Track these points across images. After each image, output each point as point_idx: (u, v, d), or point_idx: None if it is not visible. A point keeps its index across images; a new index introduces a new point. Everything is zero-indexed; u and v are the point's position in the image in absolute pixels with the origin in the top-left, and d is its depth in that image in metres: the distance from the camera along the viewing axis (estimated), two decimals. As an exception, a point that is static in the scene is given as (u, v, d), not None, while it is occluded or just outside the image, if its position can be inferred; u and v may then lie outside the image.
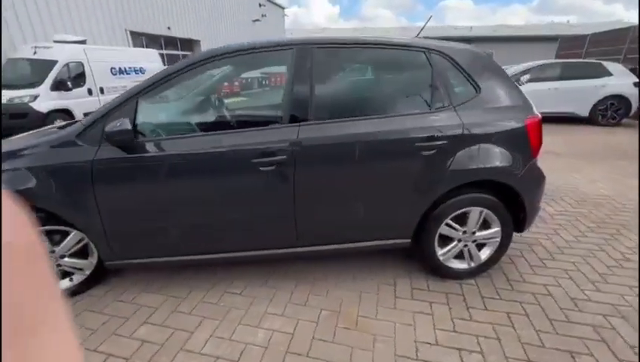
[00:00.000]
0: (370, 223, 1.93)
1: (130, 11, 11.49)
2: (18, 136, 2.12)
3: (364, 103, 2.01)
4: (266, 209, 1.83)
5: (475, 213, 1.93)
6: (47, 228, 1.79)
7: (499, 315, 1.80)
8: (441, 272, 2.09)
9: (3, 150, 1.76)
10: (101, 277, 2.09)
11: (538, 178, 1.98)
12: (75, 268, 1.97)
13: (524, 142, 1.88)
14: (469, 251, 2.04)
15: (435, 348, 1.61)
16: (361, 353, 1.58)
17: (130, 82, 7.75)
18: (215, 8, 16.50)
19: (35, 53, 6.81)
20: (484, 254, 2.06)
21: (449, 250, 2.03)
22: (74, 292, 1.97)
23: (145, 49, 10.79)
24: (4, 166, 1.68)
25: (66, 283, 1.97)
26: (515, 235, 2.08)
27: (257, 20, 20.22)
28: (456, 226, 1.97)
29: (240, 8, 18.66)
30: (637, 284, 2.01)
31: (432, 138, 1.78)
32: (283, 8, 24.21)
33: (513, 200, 1.95)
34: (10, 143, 1.90)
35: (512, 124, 1.86)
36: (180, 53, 14.66)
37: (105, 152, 1.66)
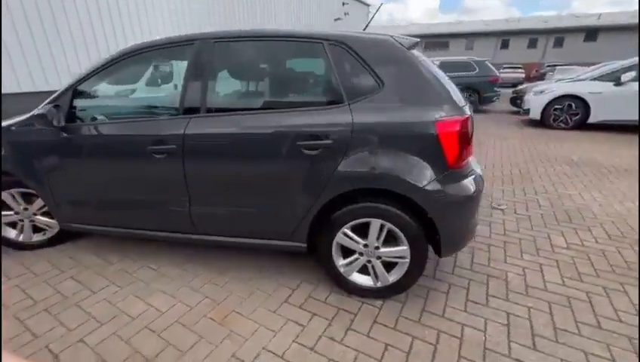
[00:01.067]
0: (256, 221, 1.87)
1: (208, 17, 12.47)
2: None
3: (256, 97, 1.96)
4: (163, 194, 1.95)
5: (376, 226, 1.70)
6: (21, 190, 2.28)
7: (376, 346, 1.56)
8: (343, 285, 1.91)
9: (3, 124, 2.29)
10: (70, 236, 2.54)
11: (458, 193, 1.62)
12: (47, 226, 2.44)
13: (433, 148, 1.56)
14: (373, 268, 1.81)
15: (275, 359, 1.50)
16: (206, 345, 1.58)
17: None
18: (302, 6, 17.16)
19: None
20: (394, 275, 1.79)
21: (350, 263, 1.84)
22: (43, 244, 2.45)
23: None
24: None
25: (39, 236, 2.46)
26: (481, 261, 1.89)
27: (339, 19, 20.66)
28: (356, 238, 1.76)
29: (323, 7, 19.19)
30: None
31: (315, 137, 1.63)
32: (367, 5, 23.98)
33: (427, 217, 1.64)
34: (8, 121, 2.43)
35: (418, 125, 1.56)
36: None
37: (46, 133, 2.01)
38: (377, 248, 1.75)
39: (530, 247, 2.41)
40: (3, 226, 2.38)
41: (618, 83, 6.06)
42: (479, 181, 1.74)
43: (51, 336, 1.66)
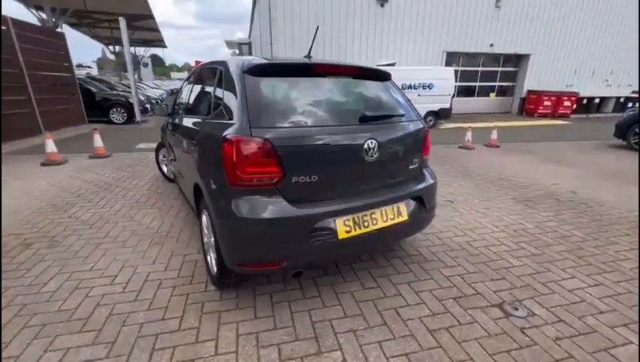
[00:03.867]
0: None
1: (452, 33, 13.70)
2: None
3: (191, 107, 2.83)
4: None
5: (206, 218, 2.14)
6: None
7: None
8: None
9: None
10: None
11: (226, 206, 1.75)
12: None
13: (218, 161, 1.76)
14: (211, 256, 2.21)
15: None
16: None
17: (414, 95, 10.04)
18: (557, 12, 14.61)
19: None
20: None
21: (205, 243, 2.31)
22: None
23: (441, 67, 12.83)
24: None
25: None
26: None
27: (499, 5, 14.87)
28: (205, 224, 2.22)
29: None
30: None
31: (191, 136, 2.34)
32: None
33: None
34: None
35: (214, 139, 1.86)
36: (500, 69, 15.54)
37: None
38: (210, 238, 2.11)
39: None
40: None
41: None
42: (268, 209, 1.73)
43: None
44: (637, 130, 6.96)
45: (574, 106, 14.47)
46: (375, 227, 1.95)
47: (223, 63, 2.13)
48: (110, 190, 4.14)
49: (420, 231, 2.47)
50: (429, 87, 10.37)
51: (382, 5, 12.68)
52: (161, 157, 4.50)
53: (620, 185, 4.55)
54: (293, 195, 1.76)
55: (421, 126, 2.25)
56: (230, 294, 2.13)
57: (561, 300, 2.10)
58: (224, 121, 1.85)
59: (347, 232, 1.85)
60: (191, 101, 2.91)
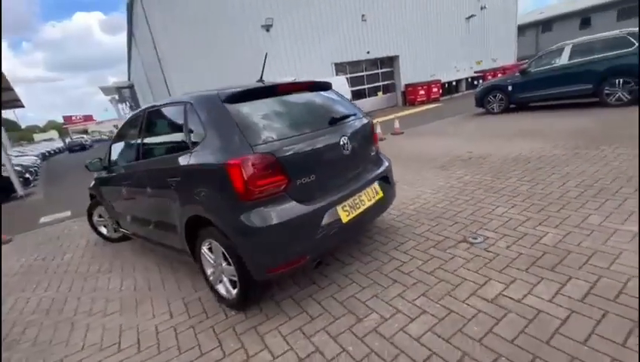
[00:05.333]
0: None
1: (334, 47, 15.52)
2: None
3: (150, 149, 2.78)
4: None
5: (214, 245, 2.16)
6: None
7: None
8: (214, 293, 2.38)
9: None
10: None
11: (251, 222, 1.86)
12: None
13: (226, 184, 1.88)
14: (224, 283, 2.28)
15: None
16: None
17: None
18: (419, 17, 18.10)
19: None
20: (236, 290, 2.15)
21: (211, 274, 2.34)
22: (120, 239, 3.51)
23: (334, 77, 14.05)
24: None
25: (115, 234, 3.96)
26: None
27: (473, 16, 19.83)
28: (209, 255, 2.26)
29: (450, 8, 19.17)
30: None
31: (172, 175, 2.29)
32: None
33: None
34: None
35: (215, 166, 1.95)
36: (380, 71, 18.21)
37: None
38: (221, 264, 2.20)
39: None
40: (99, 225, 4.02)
41: None
42: (284, 212, 1.91)
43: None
44: (490, 98, 9.12)
45: (441, 91, 17.88)
46: (364, 207, 2.34)
47: (185, 101, 2.27)
48: (42, 272, 3.55)
49: (390, 205, 2.95)
50: None
51: (267, 30, 13.48)
52: (96, 218, 4.05)
53: (491, 141, 5.96)
54: (300, 196, 2.01)
55: (367, 120, 2.75)
56: (254, 311, 2.22)
57: (498, 223, 2.84)
58: (215, 148, 1.98)
59: (347, 216, 2.19)
60: (147, 144, 2.82)
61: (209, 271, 2.36)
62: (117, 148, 3.34)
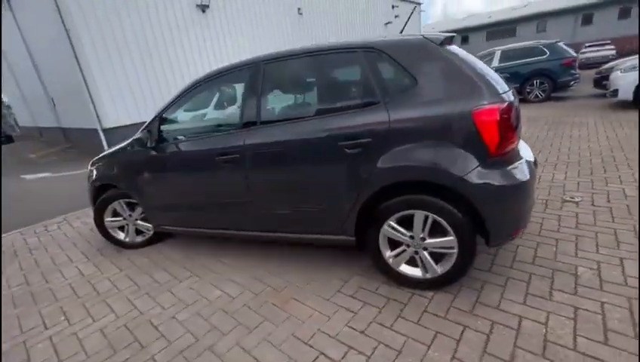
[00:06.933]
0: (306, 216, 2.10)
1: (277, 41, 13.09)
2: None
3: (303, 107, 2.29)
4: (230, 196, 2.31)
5: (420, 217, 1.79)
6: (126, 200, 2.82)
7: (425, 333, 1.65)
8: (392, 276, 2.02)
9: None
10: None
11: (503, 181, 1.63)
12: (146, 229, 2.93)
13: (472, 138, 1.61)
14: (420, 259, 1.90)
15: (328, 339, 1.68)
16: (266, 323, 1.86)
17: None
18: (352, 6, 16.87)
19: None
20: (443, 266, 1.86)
21: (398, 254, 1.95)
22: (143, 244, 2.98)
23: None
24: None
25: (139, 238, 2.98)
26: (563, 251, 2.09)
27: (389, 23, 19.58)
28: (401, 230, 1.86)
29: (373, 9, 18.57)
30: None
31: (353, 136, 1.79)
32: (419, 4, 21.15)
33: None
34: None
35: (455, 117, 1.63)
36: None
37: (142, 152, 2.53)
38: (423, 239, 1.82)
39: (609, 241, 2.20)
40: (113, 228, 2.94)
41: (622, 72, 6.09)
42: (528, 169, 1.74)
43: (151, 313, 2.08)
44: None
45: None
46: None
47: (359, 47, 1.85)
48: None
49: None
50: None
51: (203, 11, 11.90)
52: (108, 219, 2.90)
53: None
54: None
55: None
56: (450, 289, 1.93)
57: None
58: (441, 97, 1.66)
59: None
60: (279, 108, 2.36)
61: (389, 254, 1.97)
62: (181, 118, 2.65)
